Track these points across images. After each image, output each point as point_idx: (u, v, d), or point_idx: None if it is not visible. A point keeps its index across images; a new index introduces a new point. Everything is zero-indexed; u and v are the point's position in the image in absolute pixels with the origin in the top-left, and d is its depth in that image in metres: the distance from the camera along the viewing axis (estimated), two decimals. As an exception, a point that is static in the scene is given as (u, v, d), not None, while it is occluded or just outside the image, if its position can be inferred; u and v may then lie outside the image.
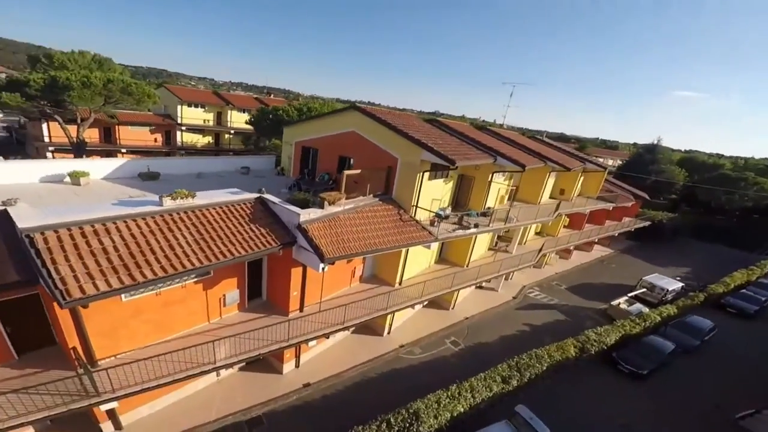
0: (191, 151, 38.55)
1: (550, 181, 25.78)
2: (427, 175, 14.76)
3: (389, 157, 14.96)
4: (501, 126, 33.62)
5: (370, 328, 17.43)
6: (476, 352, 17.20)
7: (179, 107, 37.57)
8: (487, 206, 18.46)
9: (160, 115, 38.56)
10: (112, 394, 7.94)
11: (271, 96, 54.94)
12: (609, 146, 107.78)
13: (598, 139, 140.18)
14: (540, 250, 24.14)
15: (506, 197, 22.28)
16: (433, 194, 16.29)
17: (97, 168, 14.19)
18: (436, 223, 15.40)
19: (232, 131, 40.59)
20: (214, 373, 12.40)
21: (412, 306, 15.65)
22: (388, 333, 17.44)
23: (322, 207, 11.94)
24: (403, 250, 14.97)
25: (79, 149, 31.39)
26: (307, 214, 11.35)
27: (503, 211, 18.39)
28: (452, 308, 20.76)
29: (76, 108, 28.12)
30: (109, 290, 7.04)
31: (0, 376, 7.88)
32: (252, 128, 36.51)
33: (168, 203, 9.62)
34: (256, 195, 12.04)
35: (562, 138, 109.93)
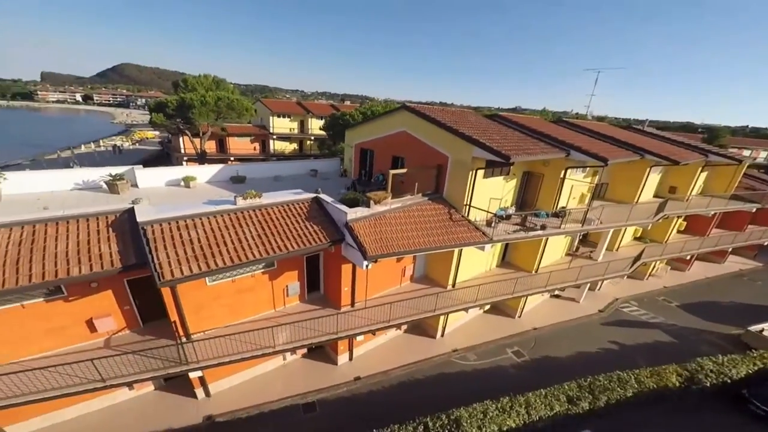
0: (280, 157, 44.12)
1: (654, 178, 21.90)
2: (481, 173, 14.24)
3: (439, 156, 14.92)
4: (584, 117, 29.71)
5: (423, 329, 17.63)
6: (542, 367, 15.86)
7: (270, 118, 43.40)
8: (560, 206, 16.75)
9: (258, 126, 45.13)
10: (196, 364, 10.03)
11: (346, 102, 58.71)
12: (762, 135, 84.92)
13: (747, 127, 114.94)
14: (638, 258, 20.67)
15: (589, 196, 19.77)
16: (491, 193, 15.59)
17: (203, 173, 17.80)
18: (493, 224, 14.74)
19: (312, 138, 44.98)
20: (281, 357, 14.42)
21: (465, 310, 15.27)
22: (441, 335, 17.37)
23: (368, 206, 12.68)
24: (455, 251, 14.79)
25: (201, 158, 39.16)
26: (354, 213, 12.23)
27: (582, 212, 16.42)
28: (518, 316, 19.47)
29: (198, 123, 35.03)
30: (191, 274, 9.00)
31: (130, 339, 10.74)
32: (325, 134, 39.96)
33: (240, 202, 11.63)
34: (313, 195, 13.46)
35: (687, 128, 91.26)
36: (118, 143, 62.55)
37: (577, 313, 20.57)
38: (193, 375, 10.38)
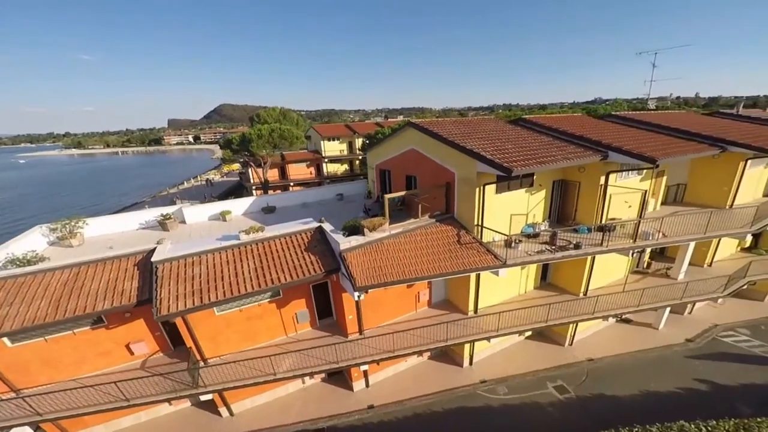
0: (334, 178, 46.52)
1: (759, 173, 16.95)
2: (491, 188, 12.79)
3: (447, 173, 13.89)
4: (643, 107, 24.81)
5: (449, 356, 16.35)
6: (591, 407, 13.31)
7: (322, 142, 46.26)
8: (609, 217, 14.04)
9: (312, 152, 48.50)
10: (204, 388, 11.06)
11: (399, 117, 59.24)
12: None
13: None
14: (743, 276, 16.08)
15: (655, 202, 16.20)
16: (511, 209, 13.90)
17: (239, 206, 19.80)
18: (513, 245, 13.06)
19: (360, 157, 46.40)
20: (300, 380, 14.87)
21: (488, 339, 13.66)
22: (470, 364, 15.85)
23: (363, 234, 12.40)
24: (472, 275, 13.46)
25: (265, 186, 43.70)
26: (347, 242, 12.11)
27: (645, 222, 13.47)
28: (569, 344, 16.77)
29: (257, 154, 39.21)
30: (185, 309, 9.98)
31: (161, 362, 12.27)
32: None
33: (243, 237, 12.53)
34: (317, 224, 13.77)
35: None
36: (211, 177, 73.98)
37: (653, 342, 16.75)
38: (203, 398, 11.30)
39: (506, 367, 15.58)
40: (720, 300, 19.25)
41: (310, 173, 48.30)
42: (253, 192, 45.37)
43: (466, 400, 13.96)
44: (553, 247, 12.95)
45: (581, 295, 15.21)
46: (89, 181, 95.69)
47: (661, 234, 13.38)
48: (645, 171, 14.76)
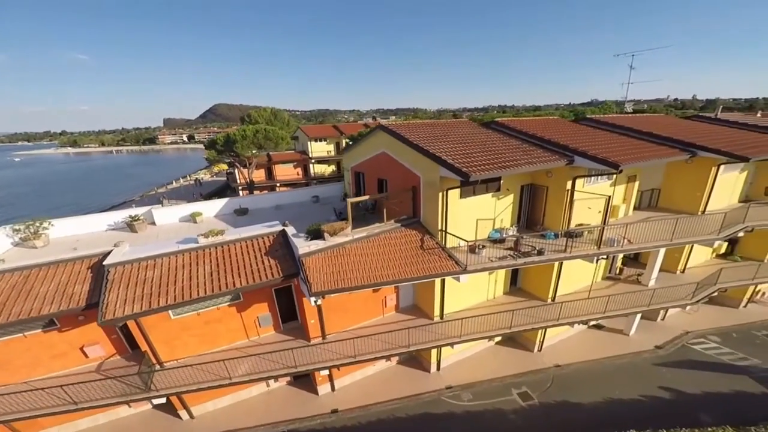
0: (321, 179, 46.36)
1: (734, 178, 17.03)
2: (455, 192, 12.72)
3: (413, 177, 13.82)
4: (621, 109, 24.90)
5: (418, 361, 16.24)
6: (554, 414, 13.25)
7: (309, 143, 46.11)
8: (577, 223, 14.04)
9: (299, 152, 48.32)
10: (156, 392, 10.99)
11: (376, 119, 59.24)
12: None
13: None
14: (713, 283, 16.14)
15: (627, 208, 16.17)
16: (478, 213, 13.84)
17: (211, 208, 19.61)
18: (477, 250, 13.01)
19: (345, 158, 46.38)
20: (265, 383, 14.73)
21: (451, 345, 13.58)
22: (437, 369, 15.75)
23: (323, 238, 12.31)
24: (437, 280, 13.38)
25: (250, 186, 43.46)
26: (306, 247, 12.01)
27: (611, 229, 13.45)
28: (538, 350, 16.72)
29: (242, 155, 38.96)
30: (132, 314, 9.85)
31: (118, 364, 12.14)
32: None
33: (202, 241, 12.40)
34: (280, 228, 13.65)
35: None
36: (201, 177, 73.64)
37: (623, 349, 16.71)
38: (156, 401, 11.18)
39: (474, 372, 15.50)
40: (690, 307, 19.22)
41: (297, 174, 48.09)
42: (240, 192, 45.21)
43: (430, 407, 13.87)
44: (517, 253, 12.89)
45: (549, 300, 15.18)
46: (83, 180, 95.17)
47: (626, 240, 13.36)
48: (615, 176, 14.75)
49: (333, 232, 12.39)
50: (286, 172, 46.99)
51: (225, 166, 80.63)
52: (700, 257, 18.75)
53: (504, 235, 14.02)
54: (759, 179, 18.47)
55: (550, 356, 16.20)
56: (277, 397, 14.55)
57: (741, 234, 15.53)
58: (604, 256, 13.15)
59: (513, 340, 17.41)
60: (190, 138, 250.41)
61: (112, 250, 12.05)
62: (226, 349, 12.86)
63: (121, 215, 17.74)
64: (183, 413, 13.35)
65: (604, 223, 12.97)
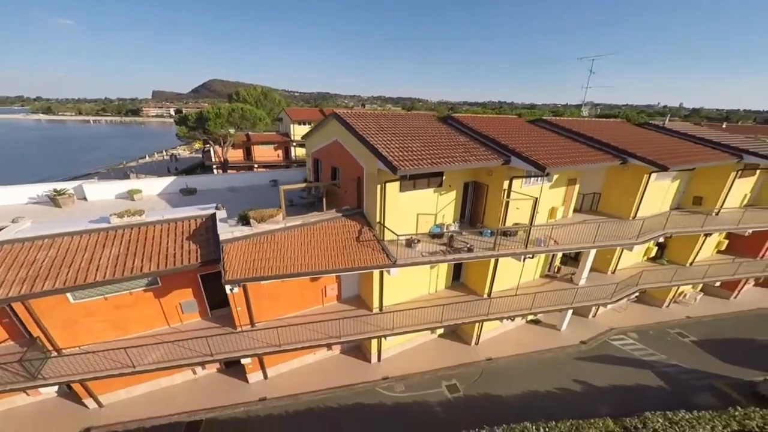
0: (303, 163, 44.03)
1: (666, 186, 16.81)
2: (394, 185, 11.60)
3: (359, 167, 12.58)
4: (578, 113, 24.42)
5: (361, 351, 15.40)
6: (474, 406, 12.75)
7: (291, 126, 43.55)
8: (514, 223, 13.33)
9: (281, 134, 45.63)
10: (43, 381, 9.38)
11: (364, 106, 57.26)
12: None
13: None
14: (635, 284, 16.10)
15: (566, 210, 15.67)
16: (418, 208, 12.81)
17: (154, 186, 17.59)
18: (413, 244, 12.05)
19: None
20: (191, 371, 13.39)
21: (384, 337, 12.74)
22: (378, 360, 14.94)
23: (249, 224, 10.92)
24: (376, 272, 12.35)
25: (224, 166, 40.62)
26: (230, 232, 10.63)
27: (540, 229, 12.84)
28: (475, 343, 16.19)
29: (214, 133, 36.10)
30: (6, 298, 8.17)
31: (11, 350, 10.33)
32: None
33: (114, 221, 10.69)
34: (211, 212, 12.09)
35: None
36: (179, 152, 68.74)
37: (552, 343, 16.55)
38: (44, 390, 9.66)
39: (411, 364, 14.81)
40: (618, 305, 19.50)
41: (278, 156, 45.42)
42: (214, 171, 42.33)
43: (363, 397, 13.06)
44: (449, 249, 12.05)
45: (485, 296, 14.60)
46: (48, 148, 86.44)
47: (553, 241, 12.82)
48: (555, 178, 14.14)
49: (261, 219, 11.01)
50: (265, 153, 44.26)
51: (201, 144, 75.89)
52: (632, 260, 18.77)
53: (444, 231, 13.16)
54: (690, 188, 18.50)
55: (484, 350, 15.77)
56: (204, 385, 13.25)
57: (662, 239, 15.50)
58: (531, 255, 12.54)
59: (454, 334, 16.88)
60: (178, 112, 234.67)
61: (5, 227, 10.13)
62: (141, 336, 11.34)
63: (46, 188, 15.42)
64: (89, 401, 11.78)
65: (531, 224, 12.29)
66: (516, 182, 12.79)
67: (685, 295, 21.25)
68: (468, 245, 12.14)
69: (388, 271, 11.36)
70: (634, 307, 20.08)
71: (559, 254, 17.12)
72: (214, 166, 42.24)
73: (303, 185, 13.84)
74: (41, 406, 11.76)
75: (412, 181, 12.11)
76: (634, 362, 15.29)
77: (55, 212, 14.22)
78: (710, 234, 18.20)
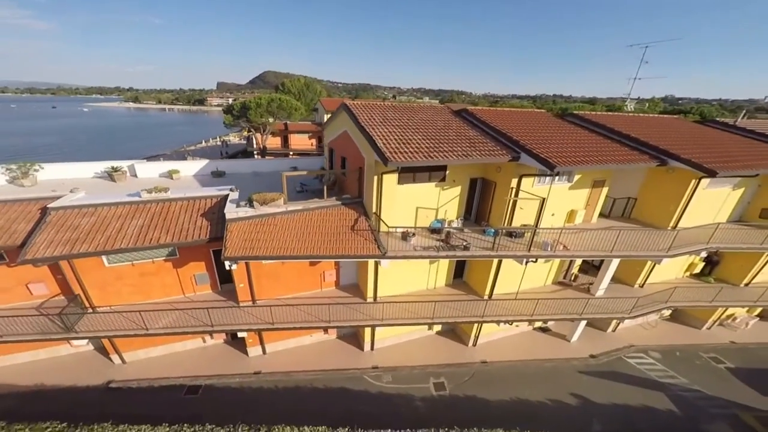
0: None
1: (718, 195, 14.58)
2: (391, 177, 11.59)
3: (361, 158, 12.76)
4: (622, 107, 21.92)
5: (356, 338, 15.80)
6: (457, 407, 12.54)
7: (325, 115, 44.95)
8: (522, 224, 12.61)
9: (315, 124, 47.36)
10: (75, 333, 11.10)
11: (395, 98, 56.76)
12: None
13: None
14: (664, 301, 14.43)
15: (591, 214, 14.39)
16: (418, 202, 12.67)
17: (190, 168, 19.46)
18: (408, 238, 12.00)
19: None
20: (201, 339, 14.81)
21: (372, 327, 12.95)
22: (371, 349, 15.23)
23: (252, 207, 11.69)
24: (371, 262, 12.55)
25: (263, 152, 43.44)
26: (234, 213, 11.49)
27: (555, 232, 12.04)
28: (472, 344, 15.76)
29: (255, 122, 38.65)
30: (51, 257, 9.82)
31: (61, 303, 12.33)
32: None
33: (144, 195, 12.13)
34: (225, 193, 13.14)
35: None
36: (229, 139, 74.44)
37: (557, 353, 15.50)
38: (76, 342, 11.34)
39: (403, 357, 14.88)
40: (643, 322, 17.52)
41: (311, 144, 47.30)
42: (255, 156, 45.38)
43: (350, 382, 13.47)
44: (445, 246, 11.76)
45: (486, 297, 14.05)
46: (133, 132, 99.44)
47: (562, 246, 11.84)
48: (576, 178, 12.95)
49: (263, 202, 11.75)
50: (300, 141, 46.39)
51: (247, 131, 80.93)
52: (669, 274, 16.69)
53: (445, 227, 12.85)
54: (758, 199, 15.71)
55: (481, 352, 15.27)
56: (210, 353, 14.56)
57: (706, 254, 13.51)
58: (534, 260, 11.74)
59: (453, 332, 16.56)
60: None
61: (64, 195, 12.04)
62: (159, 302, 12.81)
63: (107, 165, 17.85)
64: (115, 357, 13.55)
65: (536, 226, 11.45)
66: (527, 181, 12.02)
67: (735, 318, 18.41)
68: (465, 243, 11.75)
69: (380, 262, 11.47)
70: (666, 325, 17.95)
71: (577, 261, 15.82)
72: (255, 152, 45.21)
73: (305, 173, 14.36)
74: (79, 357, 13.80)
75: (411, 174, 11.98)
76: (646, 382, 13.80)
77: (109, 186, 16.45)
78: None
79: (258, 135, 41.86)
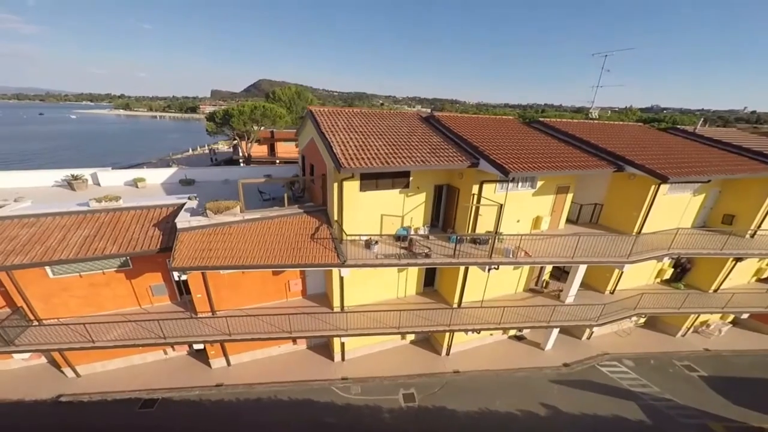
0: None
1: (680, 201, 14.53)
2: (353, 184, 11.18)
3: (324, 165, 12.33)
4: (587, 115, 22.16)
5: (327, 348, 15.16)
6: (426, 418, 12.03)
7: (313, 124, 44.66)
8: (486, 230, 12.29)
9: (305, 132, 46.92)
10: (15, 347, 10.25)
11: (383, 105, 56.91)
12: None
13: None
14: (632, 308, 14.19)
15: (556, 220, 14.16)
16: (383, 209, 12.26)
17: (158, 176, 18.75)
18: (371, 246, 11.56)
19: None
20: (162, 351, 14.02)
21: (330, 338, 12.38)
22: (342, 360, 14.61)
23: (206, 215, 11.13)
24: (335, 270, 12.02)
25: (247, 161, 42.70)
26: (186, 222, 10.92)
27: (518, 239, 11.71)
28: (445, 354, 15.26)
29: (238, 130, 38.04)
30: (-20, 268, 9.05)
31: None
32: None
33: (93, 205, 11.47)
34: (183, 201, 12.55)
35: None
36: (218, 147, 73.42)
37: (530, 362, 15.09)
38: (18, 356, 10.57)
39: (374, 367, 14.30)
40: (618, 329, 17.29)
41: (298, 152, 46.90)
42: (241, 164, 44.54)
43: (316, 394, 12.84)
44: (407, 253, 11.35)
45: (455, 305, 13.62)
46: (120, 139, 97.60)
47: (523, 252, 11.54)
48: (540, 184, 12.76)
49: (217, 210, 11.20)
50: (288, 149, 45.70)
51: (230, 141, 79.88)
52: (640, 280, 16.53)
53: (411, 234, 12.46)
54: (720, 204, 15.82)
55: (454, 362, 14.78)
56: (171, 365, 13.81)
57: (667, 260, 13.43)
58: (496, 267, 11.40)
59: (427, 342, 16.05)
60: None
61: (7, 204, 11.30)
62: (111, 313, 12.07)
63: (67, 173, 17.03)
64: (67, 370, 12.76)
65: (496, 232, 11.12)
66: (489, 187, 11.78)
67: (709, 325, 18.34)
68: (427, 251, 11.36)
69: (340, 271, 10.99)
70: (641, 332, 17.75)
71: (548, 268, 15.56)
72: (240, 161, 44.44)
73: (262, 180, 13.93)
74: (30, 371, 12.95)
75: (374, 180, 11.60)
76: (618, 392, 13.45)
77: (68, 195, 15.63)
78: (742, 259, 15.44)
79: (243, 143, 41.21)
